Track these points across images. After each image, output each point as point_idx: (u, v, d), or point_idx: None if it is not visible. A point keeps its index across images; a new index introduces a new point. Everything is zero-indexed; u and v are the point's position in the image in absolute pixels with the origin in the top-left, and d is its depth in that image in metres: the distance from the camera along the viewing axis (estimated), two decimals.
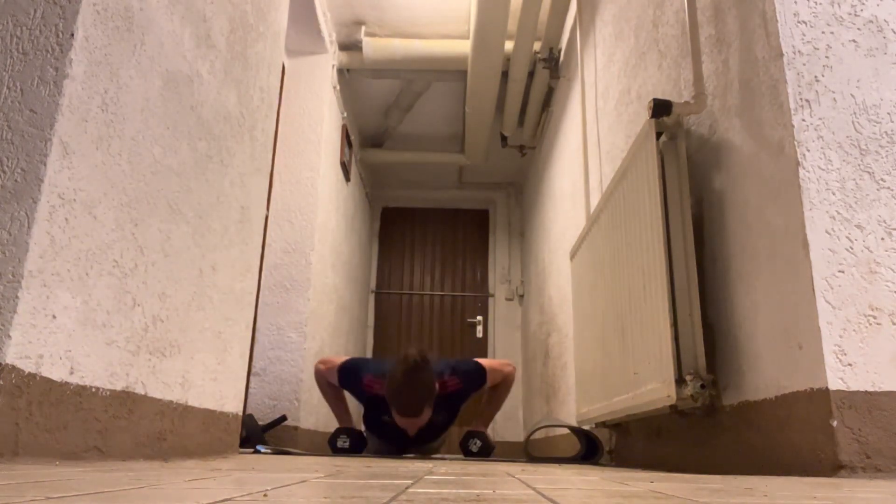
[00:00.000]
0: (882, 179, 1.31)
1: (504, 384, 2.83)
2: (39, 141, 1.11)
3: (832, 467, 1.17)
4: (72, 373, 1.18)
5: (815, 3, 1.41)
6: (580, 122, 3.26)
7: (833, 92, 1.36)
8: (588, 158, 3.09)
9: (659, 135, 1.76)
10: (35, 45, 1.16)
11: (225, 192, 1.89)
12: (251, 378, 3.29)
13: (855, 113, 1.35)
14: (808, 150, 1.32)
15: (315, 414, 3.60)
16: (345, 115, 4.33)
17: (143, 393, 1.43)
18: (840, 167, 1.31)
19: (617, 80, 2.65)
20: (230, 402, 1.95)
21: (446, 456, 3.27)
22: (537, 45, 3.87)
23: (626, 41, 2.52)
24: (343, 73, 4.15)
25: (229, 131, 1.92)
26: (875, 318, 1.24)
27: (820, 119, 1.34)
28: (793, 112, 1.34)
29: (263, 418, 3.13)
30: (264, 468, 1.25)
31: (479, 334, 5.69)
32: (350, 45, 4.04)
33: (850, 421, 1.17)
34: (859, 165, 1.32)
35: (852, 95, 1.36)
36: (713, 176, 1.70)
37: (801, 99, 1.35)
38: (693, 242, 1.66)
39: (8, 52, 1.15)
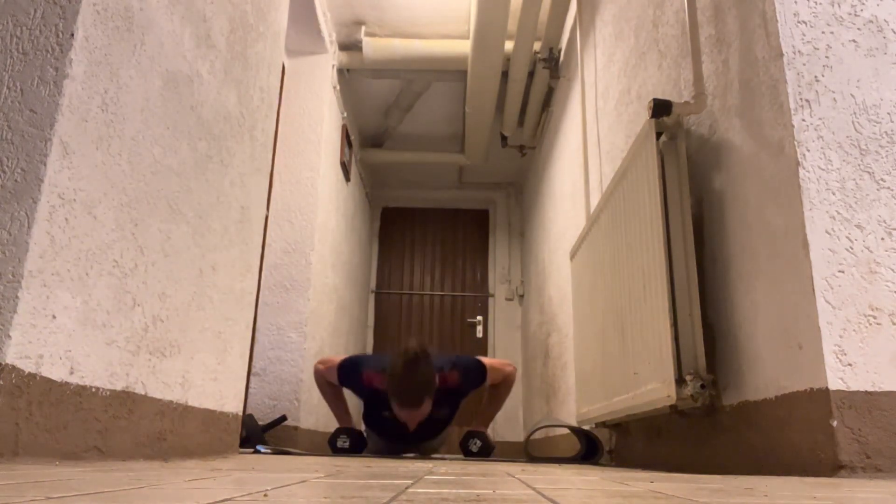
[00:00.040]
0: (882, 179, 1.31)
1: (504, 384, 2.83)
2: (39, 141, 1.11)
3: (832, 467, 1.17)
4: (72, 373, 1.18)
5: (815, 3, 1.41)
6: (580, 122, 3.26)
7: (833, 92, 1.36)
8: (588, 158, 3.09)
9: (659, 135, 1.76)
10: (35, 45, 1.16)
11: (225, 192, 1.89)
12: (251, 378, 3.29)
13: (855, 113, 1.35)
14: (808, 150, 1.32)
15: (315, 414, 3.60)
16: (345, 115, 4.33)
17: (143, 393, 1.43)
18: (840, 167, 1.31)
19: (617, 80, 2.65)
20: (230, 402, 1.95)
21: (446, 456, 3.27)
22: (537, 45, 3.87)
23: (626, 41, 2.52)
24: (343, 73, 4.15)
25: (229, 131, 1.92)
26: (875, 318, 1.24)
27: (820, 119, 1.34)
28: (793, 112, 1.34)
29: (263, 418, 3.12)
30: (264, 468, 1.25)
31: (479, 334, 5.69)
32: (350, 45, 4.04)
33: (850, 421, 1.17)
34: (859, 165, 1.32)
35: (852, 95, 1.36)
36: (713, 176, 1.70)
37: (801, 99, 1.35)
38: (693, 242, 1.66)
39: (8, 52, 1.15)
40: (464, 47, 3.92)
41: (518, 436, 5.35)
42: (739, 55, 1.57)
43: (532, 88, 4.19)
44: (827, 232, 1.28)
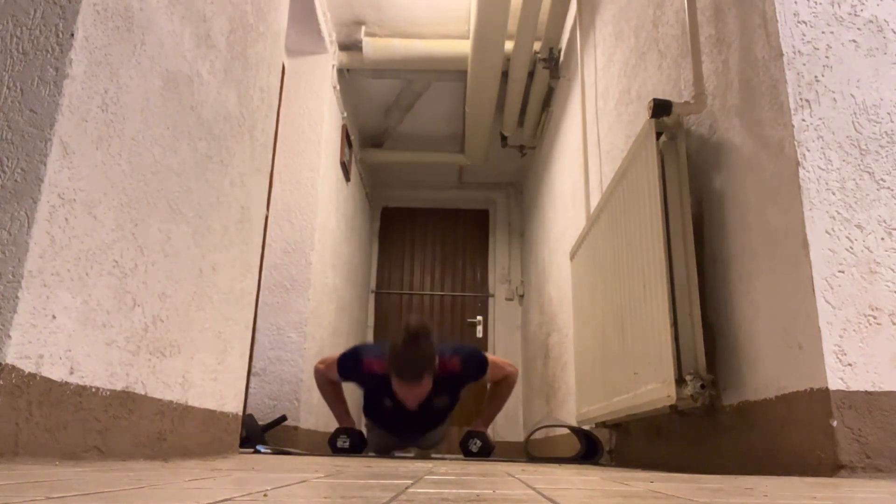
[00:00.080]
0: (882, 179, 1.31)
1: (505, 383, 2.83)
2: (39, 141, 1.11)
3: (832, 467, 1.17)
4: (72, 373, 1.18)
5: (815, 3, 1.41)
6: (580, 122, 3.26)
7: (833, 92, 1.36)
8: (588, 158, 3.09)
9: (659, 135, 1.76)
10: (35, 45, 1.16)
11: (225, 192, 1.89)
12: (251, 378, 3.29)
13: (855, 113, 1.35)
14: (808, 150, 1.32)
15: (315, 414, 3.60)
16: (345, 115, 4.33)
17: (143, 393, 1.43)
18: (840, 167, 1.31)
19: (617, 80, 2.65)
20: (230, 402, 1.95)
21: (446, 456, 3.27)
22: (537, 45, 3.87)
23: (626, 41, 2.52)
24: (343, 72, 4.15)
25: (229, 131, 1.92)
26: (875, 318, 1.24)
27: (820, 119, 1.34)
28: (793, 112, 1.34)
29: (263, 418, 3.12)
30: (264, 468, 1.25)
31: (479, 334, 5.70)
32: (350, 45, 4.04)
33: (850, 421, 1.17)
34: (859, 165, 1.32)
35: (852, 95, 1.36)
36: (713, 176, 1.70)
37: (801, 99, 1.35)
38: (693, 242, 1.66)
39: (8, 52, 1.15)
40: (464, 47, 3.92)
41: (518, 436, 5.35)
42: (739, 55, 1.57)
43: (532, 88, 4.19)
44: (827, 232, 1.28)
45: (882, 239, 1.28)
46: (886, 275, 1.26)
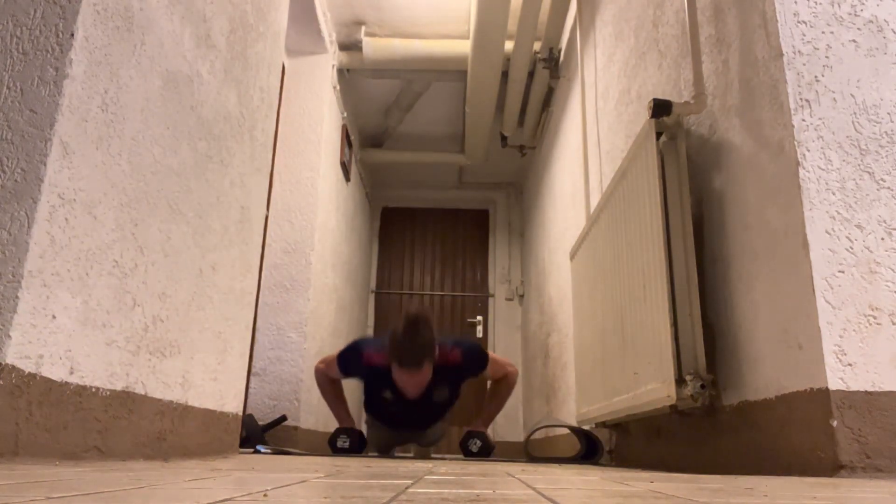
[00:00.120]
0: (882, 179, 1.31)
1: (505, 383, 2.84)
2: (39, 141, 1.11)
3: (832, 467, 1.17)
4: (72, 373, 1.18)
5: (815, 3, 1.41)
6: (580, 122, 3.26)
7: (833, 92, 1.36)
8: (588, 158, 3.09)
9: (659, 135, 1.76)
10: (35, 45, 1.16)
11: (225, 192, 1.89)
12: (251, 378, 3.29)
13: (855, 113, 1.35)
14: (808, 150, 1.32)
15: (315, 414, 3.60)
16: (345, 115, 4.33)
17: (143, 393, 1.43)
18: (840, 167, 1.31)
19: (617, 80, 2.65)
20: (230, 402, 1.95)
21: (446, 456, 3.27)
22: (537, 45, 3.87)
23: (626, 41, 2.52)
24: (343, 73, 4.15)
25: (229, 131, 1.92)
26: (875, 318, 1.24)
27: (820, 119, 1.34)
28: (793, 112, 1.34)
29: (263, 418, 3.13)
30: (264, 468, 1.25)
31: (479, 334, 5.69)
32: (350, 45, 4.04)
33: (850, 421, 1.17)
34: (859, 165, 1.32)
35: (852, 95, 1.36)
36: (713, 176, 1.70)
37: (801, 99, 1.35)
38: (693, 242, 1.66)
39: (8, 52, 1.15)
40: (464, 47, 3.92)
41: (518, 436, 5.35)
42: (739, 55, 1.57)
43: (532, 88, 4.19)
44: (827, 232, 1.28)
45: (882, 239, 1.28)
46: (886, 275, 1.26)
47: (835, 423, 1.17)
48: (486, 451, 2.79)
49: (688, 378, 1.54)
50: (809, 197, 1.29)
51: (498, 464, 1.93)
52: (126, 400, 1.36)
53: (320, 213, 3.72)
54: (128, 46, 1.34)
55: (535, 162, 5.08)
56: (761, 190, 1.45)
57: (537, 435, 3.99)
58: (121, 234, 1.34)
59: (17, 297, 1.04)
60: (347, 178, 4.55)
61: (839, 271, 1.26)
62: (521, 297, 5.71)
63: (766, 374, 1.40)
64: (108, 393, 1.29)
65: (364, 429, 3.05)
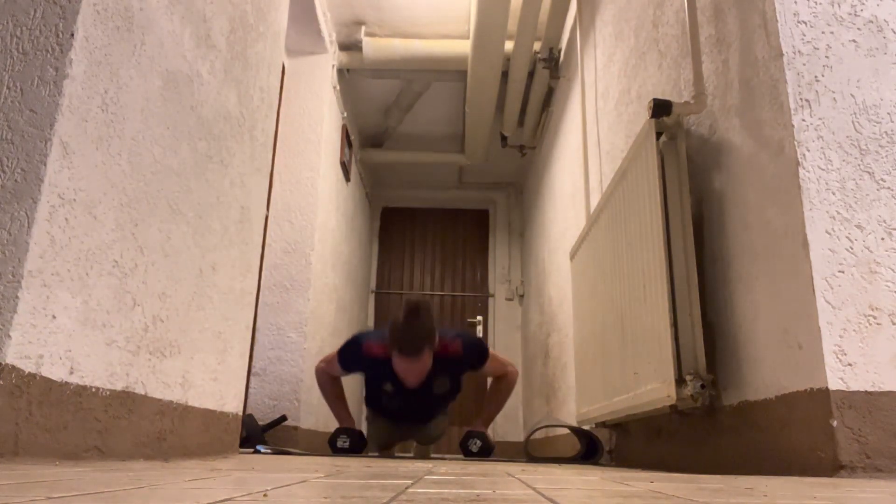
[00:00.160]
0: (882, 179, 1.31)
1: (505, 382, 2.84)
2: (39, 141, 1.11)
3: (832, 467, 1.17)
4: (72, 373, 1.18)
5: (815, 3, 1.41)
6: (580, 122, 3.26)
7: (833, 92, 1.36)
8: (588, 158, 3.09)
9: (659, 135, 1.76)
10: (35, 45, 1.16)
11: (225, 192, 1.89)
12: (251, 378, 3.29)
13: (855, 113, 1.35)
14: (808, 150, 1.32)
15: (315, 414, 3.60)
16: (345, 115, 4.33)
17: (143, 393, 1.43)
18: (840, 167, 1.31)
19: (617, 80, 2.65)
20: (230, 402, 1.95)
21: (446, 456, 3.27)
22: (537, 45, 3.87)
23: (626, 41, 2.52)
24: (343, 73, 4.15)
25: (229, 131, 1.92)
26: (875, 318, 1.24)
27: (820, 119, 1.34)
28: (793, 112, 1.34)
29: (263, 418, 3.13)
30: (264, 468, 1.25)
31: (480, 334, 5.69)
32: (350, 45, 4.04)
33: (850, 421, 1.17)
34: (859, 165, 1.32)
35: (852, 95, 1.36)
36: (713, 176, 1.70)
37: (801, 99, 1.35)
38: (693, 242, 1.66)
39: (8, 52, 1.15)
40: (464, 47, 3.92)
41: (518, 436, 5.35)
42: (739, 55, 1.57)
43: (532, 88, 4.19)
44: (827, 232, 1.28)
45: (882, 239, 1.28)
46: (886, 275, 1.26)
47: (835, 423, 1.17)
48: (486, 451, 2.79)
49: (688, 378, 1.54)
50: (809, 197, 1.29)
51: (498, 464, 1.93)
52: (126, 400, 1.36)
53: (320, 213, 3.72)
54: (128, 46, 1.34)
55: (535, 162, 5.08)
56: (761, 190, 1.45)
57: (537, 435, 3.99)
58: (121, 234, 1.34)
59: (17, 297, 1.04)
60: (347, 178, 4.55)
61: (839, 271, 1.26)
62: (521, 297, 5.72)
63: (766, 374, 1.40)
64: (108, 393, 1.29)
65: (364, 429, 3.05)
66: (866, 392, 1.19)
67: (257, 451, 2.43)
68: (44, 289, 1.10)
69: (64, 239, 1.15)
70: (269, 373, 3.33)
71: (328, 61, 3.85)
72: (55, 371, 1.13)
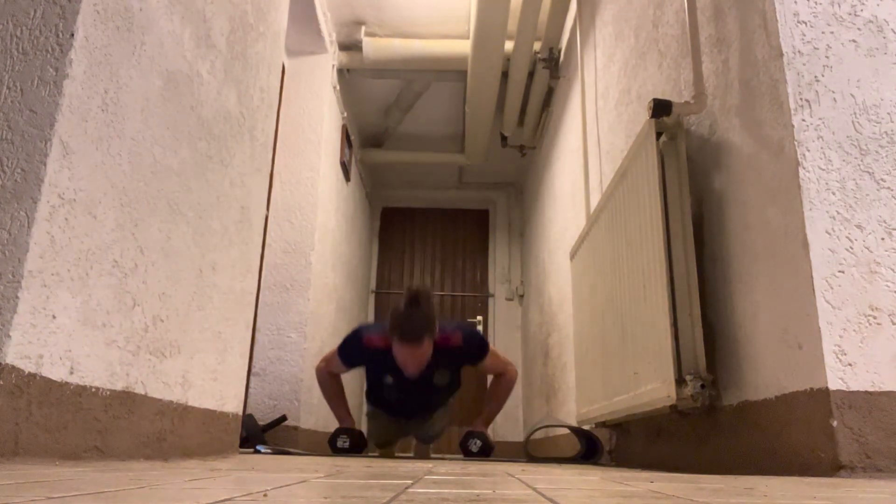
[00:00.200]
0: (882, 179, 1.31)
1: (505, 381, 2.84)
2: (39, 141, 1.11)
3: (832, 467, 1.17)
4: (72, 373, 1.18)
5: (815, 3, 1.41)
6: (580, 122, 3.26)
7: (833, 92, 1.36)
8: (588, 158, 3.09)
9: (659, 135, 1.76)
10: (35, 45, 1.16)
11: (225, 192, 1.89)
12: (251, 378, 3.29)
13: (855, 113, 1.35)
14: (808, 150, 1.32)
15: (315, 414, 3.60)
16: (345, 115, 4.33)
17: (143, 393, 1.43)
18: (840, 167, 1.31)
19: (617, 80, 2.65)
20: (230, 402, 1.95)
21: (446, 456, 3.27)
22: (537, 45, 3.87)
23: (626, 41, 2.52)
24: (343, 72, 4.15)
25: (229, 131, 1.92)
26: (875, 318, 1.24)
27: (820, 119, 1.34)
28: (793, 112, 1.34)
29: (263, 418, 3.13)
30: (264, 468, 1.25)
31: None
32: (350, 45, 4.04)
33: (850, 421, 1.17)
34: (859, 165, 1.32)
35: (852, 95, 1.36)
36: (713, 176, 1.70)
37: (801, 99, 1.35)
38: (693, 242, 1.66)
39: (8, 52, 1.15)
40: (464, 47, 3.92)
41: (518, 436, 5.35)
42: (739, 55, 1.57)
43: (532, 88, 4.19)
44: (827, 232, 1.28)
45: (882, 239, 1.28)
46: (886, 275, 1.26)
47: (835, 423, 1.17)
48: (486, 451, 2.79)
49: (688, 378, 1.54)
50: (809, 197, 1.29)
51: (498, 464, 1.93)
52: (126, 400, 1.36)
53: (320, 213, 3.72)
54: (128, 46, 1.34)
55: (535, 162, 5.08)
56: (761, 190, 1.45)
57: (537, 435, 3.99)
58: (121, 235, 1.34)
59: (17, 297, 1.04)
60: (347, 178, 4.55)
61: (839, 271, 1.26)
62: (521, 297, 5.72)
63: (766, 374, 1.40)
64: (108, 393, 1.29)
65: (364, 429, 3.05)
66: (866, 392, 1.19)
67: (257, 451, 2.43)
68: (44, 289, 1.10)
69: (64, 239, 1.15)
70: (269, 373, 3.33)
71: (328, 61, 3.85)
72: (55, 371, 1.13)
